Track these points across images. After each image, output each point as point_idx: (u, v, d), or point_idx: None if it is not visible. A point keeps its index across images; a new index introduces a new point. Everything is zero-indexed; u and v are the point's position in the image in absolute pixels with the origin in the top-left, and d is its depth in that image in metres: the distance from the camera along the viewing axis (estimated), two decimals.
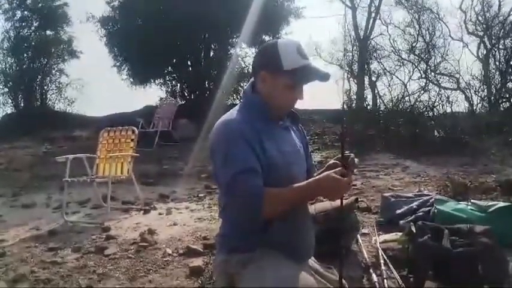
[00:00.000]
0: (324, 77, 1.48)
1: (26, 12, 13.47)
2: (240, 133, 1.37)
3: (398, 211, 3.43)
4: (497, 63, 12.54)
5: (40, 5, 13.47)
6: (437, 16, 13.13)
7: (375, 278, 2.38)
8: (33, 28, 13.66)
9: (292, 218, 1.45)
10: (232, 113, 1.47)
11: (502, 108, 11.72)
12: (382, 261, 2.54)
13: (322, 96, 10.20)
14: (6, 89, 13.55)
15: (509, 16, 12.39)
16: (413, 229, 2.59)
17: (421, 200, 3.47)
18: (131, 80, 12.38)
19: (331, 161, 1.51)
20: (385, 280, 2.35)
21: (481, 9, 12.97)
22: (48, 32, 13.91)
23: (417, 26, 13.04)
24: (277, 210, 1.35)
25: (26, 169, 7.40)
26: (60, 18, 13.65)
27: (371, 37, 13.76)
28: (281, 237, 1.43)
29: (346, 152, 1.47)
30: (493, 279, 2.16)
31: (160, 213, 4.38)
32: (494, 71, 12.43)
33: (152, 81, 12.65)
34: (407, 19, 13.30)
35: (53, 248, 3.28)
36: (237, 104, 1.56)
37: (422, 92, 11.48)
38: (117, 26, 11.79)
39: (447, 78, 12.68)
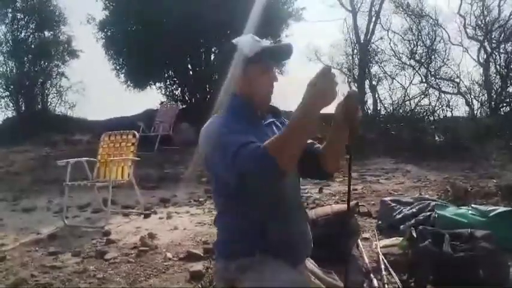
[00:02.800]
0: (287, 49, 1.53)
1: (20, 15, 13.51)
2: (227, 127, 1.36)
3: (399, 216, 3.43)
4: (497, 67, 12.57)
5: (35, 4, 13.50)
6: (436, 22, 13.18)
7: (375, 282, 2.37)
8: (31, 30, 13.71)
9: (287, 217, 1.46)
10: (213, 119, 1.48)
11: (502, 113, 11.73)
12: (382, 266, 2.54)
13: None
14: (7, 93, 13.59)
15: (510, 20, 12.43)
16: (414, 234, 2.59)
17: (421, 205, 3.46)
18: (131, 83, 12.40)
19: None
20: (386, 285, 2.34)
21: (480, 13, 13.01)
22: (46, 33, 13.97)
23: (416, 32, 13.09)
24: (288, 151, 1.24)
25: (26, 173, 7.40)
26: (57, 18, 13.70)
27: (371, 41, 13.80)
28: (278, 237, 1.42)
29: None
30: (494, 283, 2.15)
31: (160, 218, 4.37)
32: (494, 75, 12.46)
33: (152, 85, 12.67)
34: (406, 25, 13.37)
35: (53, 252, 3.27)
36: None
37: (422, 96, 11.52)
38: (116, 29, 11.80)
39: (447, 82, 12.72)
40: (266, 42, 1.54)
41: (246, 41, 1.51)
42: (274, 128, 1.56)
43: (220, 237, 1.52)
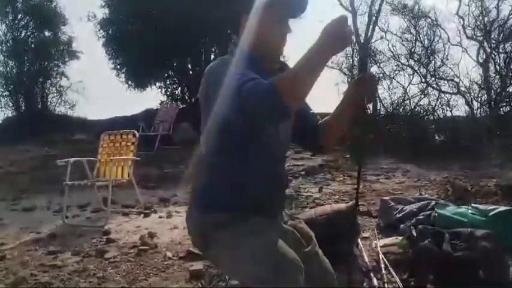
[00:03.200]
0: (302, 3, 1.48)
1: (21, 15, 13.51)
2: (233, 65, 1.33)
3: (399, 215, 3.43)
4: (497, 67, 12.56)
5: (33, 2, 13.49)
6: (435, 22, 13.17)
7: (375, 282, 2.38)
8: (31, 30, 13.70)
9: (271, 170, 1.46)
10: (219, 60, 1.44)
11: (502, 112, 11.72)
12: (382, 265, 2.54)
13: (322, 99, 10.22)
14: (6, 92, 13.58)
15: (508, 20, 12.41)
16: (414, 233, 2.59)
17: (421, 204, 3.46)
18: (131, 83, 12.40)
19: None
20: (386, 284, 2.35)
21: (479, 14, 13.00)
22: (46, 33, 13.97)
23: (414, 32, 13.09)
24: (296, 90, 1.20)
25: (26, 172, 7.40)
26: (57, 18, 13.69)
27: (371, 41, 13.80)
28: (258, 193, 1.41)
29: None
30: (494, 283, 2.15)
31: (160, 217, 4.37)
32: (494, 75, 12.45)
33: (153, 84, 12.67)
34: (404, 26, 13.36)
35: (53, 252, 3.27)
36: None
37: (422, 96, 11.51)
38: (116, 29, 11.81)
39: (447, 82, 12.71)
40: None
41: None
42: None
43: (197, 184, 1.50)
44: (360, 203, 4.03)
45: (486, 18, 12.84)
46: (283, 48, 1.52)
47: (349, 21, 1.29)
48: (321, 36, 1.22)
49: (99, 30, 11.87)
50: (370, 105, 9.94)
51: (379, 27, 13.74)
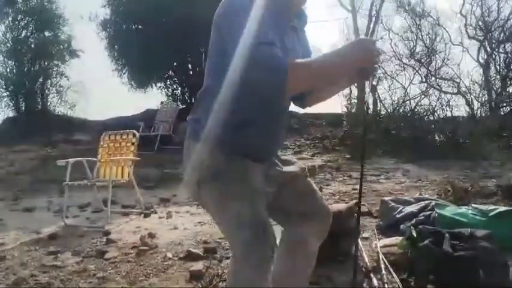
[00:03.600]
0: None
1: (21, 16, 13.51)
2: (255, 4, 1.28)
3: (399, 215, 3.43)
4: (497, 67, 12.57)
5: (34, 4, 13.49)
6: (437, 22, 13.18)
7: (375, 282, 2.37)
8: (30, 30, 13.70)
9: (271, 121, 1.48)
10: None
11: (502, 113, 11.72)
12: (382, 265, 2.54)
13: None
14: (7, 93, 13.59)
15: (509, 20, 12.41)
16: (414, 233, 2.59)
17: (421, 204, 3.46)
18: (131, 83, 12.41)
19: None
20: (386, 284, 2.34)
21: (481, 13, 13.00)
22: (46, 33, 13.97)
23: (415, 31, 13.09)
24: (302, 82, 1.26)
25: (26, 173, 7.41)
26: (57, 18, 13.70)
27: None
28: (253, 142, 1.45)
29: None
30: (494, 283, 2.15)
31: (160, 217, 4.38)
32: (494, 75, 12.45)
33: (153, 85, 12.67)
34: (406, 25, 13.36)
35: (53, 252, 3.27)
36: None
37: (423, 96, 11.51)
38: (117, 30, 11.81)
39: (448, 82, 12.71)
40: None
41: None
42: (295, 34, 1.51)
43: (204, 116, 1.47)
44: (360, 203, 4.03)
45: (487, 18, 12.84)
46: (302, 4, 1.52)
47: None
48: (349, 44, 1.29)
49: (100, 32, 11.88)
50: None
51: (383, 25, 13.75)
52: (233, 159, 1.43)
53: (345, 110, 10.46)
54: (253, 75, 1.26)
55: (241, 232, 1.38)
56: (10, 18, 13.40)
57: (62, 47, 13.90)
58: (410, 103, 11.13)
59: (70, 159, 4.53)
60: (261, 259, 1.39)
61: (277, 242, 1.48)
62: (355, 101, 10.38)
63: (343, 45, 1.36)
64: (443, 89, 12.42)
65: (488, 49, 12.85)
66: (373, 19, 13.79)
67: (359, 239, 2.97)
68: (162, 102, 11.98)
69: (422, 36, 13.05)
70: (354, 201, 3.41)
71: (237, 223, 1.39)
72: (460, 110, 11.52)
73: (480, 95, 11.91)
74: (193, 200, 1.50)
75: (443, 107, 10.52)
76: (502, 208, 3.01)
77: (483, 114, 11.61)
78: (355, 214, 3.22)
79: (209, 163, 1.43)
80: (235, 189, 1.41)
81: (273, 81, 1.23)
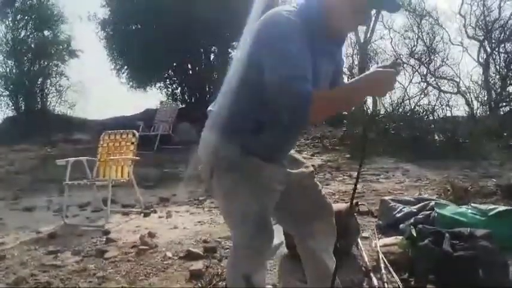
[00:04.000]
0: (396, 6, 1.49)
1: (20, 15, 13.50)
2: (299, 32, 1.31)
3: (398, 215, 3.43)
4: (497, 67, 12.58)
5: (34, 4, 13.48)
6: (436, 21, 13.19)
7: (375, 281, 2.38)
8: (30, 29, 13.69)
9: (282, 129, 1.50)
10: (286, 9, 1.38)
11: (502, 112, 11.73)
12: (382, 265, 2.54)
13: None
14: (6, 92, 13.58)
15: (510, 20, 12.42)
16: (414, 233, 2.59)
17: (421, 204, 3.46)
18: (131, 83, 12.40)
19: (373, 67, 1.54)
20: (386, 284, 2.35)
21: (481, 13, 13.01)
22: (46, 33, 13.96)
23: (416, 30, 13.10)
24: (324, 114, 1.43)
25: (26, 172, 7.41)
26: (56, 18, 13.69)
27: (371, 41, 13.81)
28: (267, 142, 1.49)
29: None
30: (494, 283, 2.15)
31: (160, 217, 4.37)
32: (494, 75, 12.47)
33: (152, 84, 12.67)
34: (407, 24, 13.37)
35: (53, 251, 3.27)
36: None
37: (422, 96, 11.52)
38: (116, 29, 11.81)
39: (447, 82, 12.72)
40: None
41: None
42: (329, 58, 1.52)
43: (229, 115, 1.50)
44: (360, 203, 4.03)
45: (488, 18, 12.86)
46: (348, 34, 1.60)
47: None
48: (372, 76, 1.37)
49: (99, 31, 11.88)
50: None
51: (383, 23, 13.76)
52: (248, 154, 1.48)
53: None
54: (278, 104, 1.31)
55: (244, 224, 1.47)
56: (10, 18, 13.39)
57: (61, 47, 13.88)
58: (409, 102, 11.15)
59: (70, 159, 4.53)
60: (258, 250, 1.49)
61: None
62: None
63: (365, 73, 1.41)
64: (442, 89, 12.44)
65: (488, 49, 12.86)
66: (373, 18, 13.78)
67: (359, 239, 2.98)
68: (161, 102, 11.99)
69: (422, 35, 13.07)
70: (354, 200, 3.41)
71: (242, 215, 1.47)
72: (460, 109, 11.55)
73: (480, 95, 11.93)
74: (205, 188, 1.66)
75: (443, 106, 10.54)
76: (502, 208, 3.01)
77: (483, 114, 11.62)
78: (355, 213, 3.23)
79: (224, 154, 1.48)
80: (246, 183, 1.47)
81: (296, 113, 1.30)
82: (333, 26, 1.41)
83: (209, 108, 1.61)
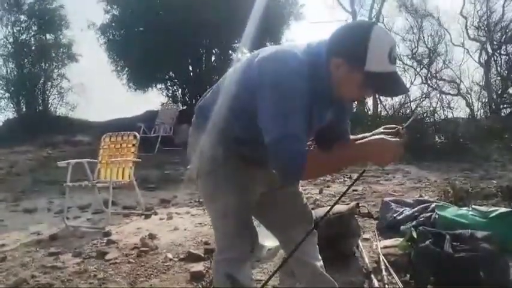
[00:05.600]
0: (402, 91, 1.44)
1: (23, 17, 13.55)
2: (301, 91, 1.28)
3: (399, 217, 3.43)
4: (498, 68, 12.57)
5: (37, 7, 13.52)
6: (438, 22, 13.19)
7: (376, 283, 2.38)
8: (32, 32, 13.74)
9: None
10: (296, 58, 1.32)
11: (503, 114, 11.73)
12: (383, 266, 2.54)
13: None
14: (7, 94, 13.61)
15: None
16: (415, 234, 2.59)
17: (422, 206, 3.46)
18: (132, 85, 12.42)
19: (379, 129, 1.53)
20: (386, 285, 2.34)
21: (483, 14, 13.01)
22: (48, 36, 14.00)
23: (417, 31, 13.11)
24: (316, 175, 1.47)
25: (27, 174, 7.42)
26: (59, 21, 13.72)
27: None
28: (249, 152, 1.52)
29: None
30: (494, 284, 2.15)
31: (161, 218, 4.37)
32: (495, 76, 12.46)
33: (153, 86, 12.69)
34: (408, 26, 13.38)
35: (53, 253, 3.27)
36: None
37: (423, 97, 11.52)
38: (117, 32, 11.83)
39: (448, 83, 12.72)
40: (395, 64, 1.35)
41: (379, 52, 1.27)
42: (331, 109, 1.51)
43: (216, 120, 1.53)
44: (360, 205, 4.03)
45: (490, 19, 12.85)
46: (350, 100, 1.58)
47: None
48: (374, 143, 1.33)
49: (100, 36, 11.89)
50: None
51: (384, 25, 13.75)
52: (229, 156, 1.51)
53: None
54: (271, 157, 1.31)
55: (225, 221, 1.51)
56: (13, 19, 13.43)
57: (62, 50, 13.92)
58: (410, 105, 11.15)
59: (71, 161, 4.52)
60: (240, 252, 1.52)
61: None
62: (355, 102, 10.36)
63: (369, 139, 1.37)
64: (443, 90, 12.44)
65: (490, 50, 12.86)
66: (373, 20, 13.77)
67: (360, 240, 2.97)
68: (162, 104, 12.01)
69: (423, 37, 13.08)
70: (354, 202, 3.41)
71: (222, 215, 1.52)
72: (461, 111, 11.55)
73: (481, 96, 11.93)
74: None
75: (444, 108, 10.54)
76: (503, 209, 3.01)
77: (483, 116, 11.62)
78: (356, 215, 3.23)
79: (207, 155, 1.53)
80: (227, 184, 1.51)
81: (288, 171, 1.31)
82: (336, 93, 1.39)
83: (197, 106, 1.68)
